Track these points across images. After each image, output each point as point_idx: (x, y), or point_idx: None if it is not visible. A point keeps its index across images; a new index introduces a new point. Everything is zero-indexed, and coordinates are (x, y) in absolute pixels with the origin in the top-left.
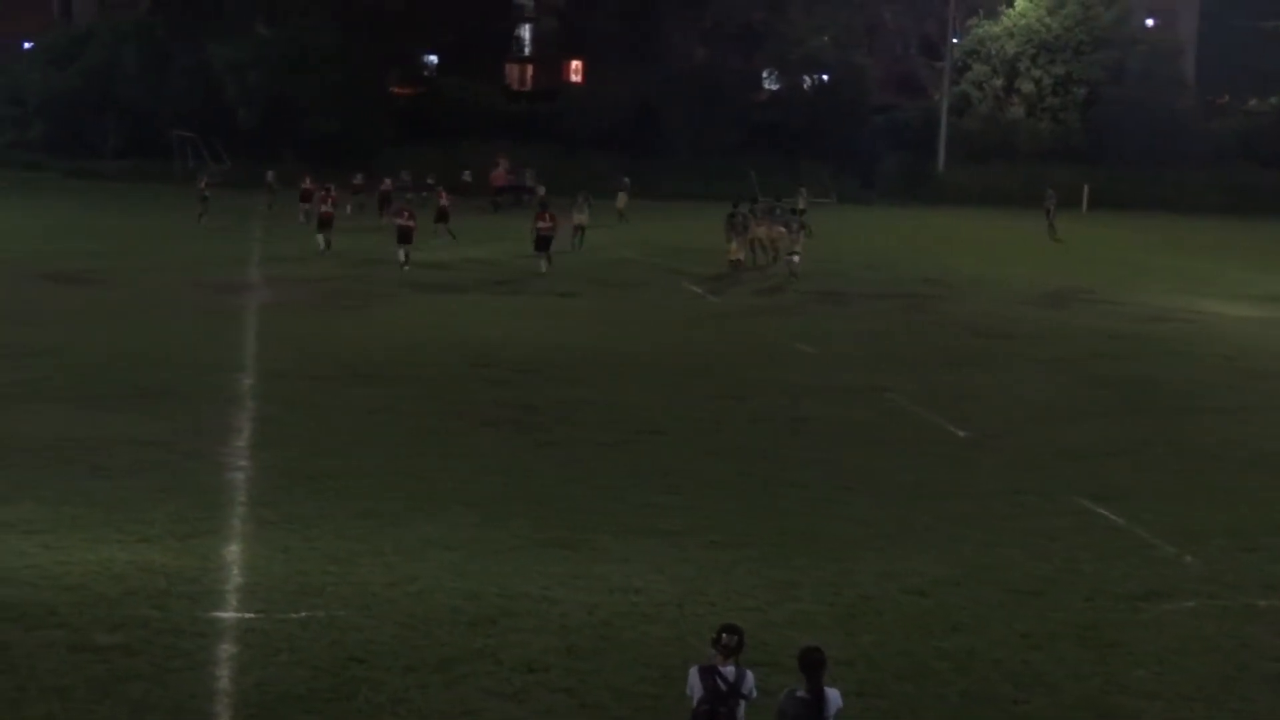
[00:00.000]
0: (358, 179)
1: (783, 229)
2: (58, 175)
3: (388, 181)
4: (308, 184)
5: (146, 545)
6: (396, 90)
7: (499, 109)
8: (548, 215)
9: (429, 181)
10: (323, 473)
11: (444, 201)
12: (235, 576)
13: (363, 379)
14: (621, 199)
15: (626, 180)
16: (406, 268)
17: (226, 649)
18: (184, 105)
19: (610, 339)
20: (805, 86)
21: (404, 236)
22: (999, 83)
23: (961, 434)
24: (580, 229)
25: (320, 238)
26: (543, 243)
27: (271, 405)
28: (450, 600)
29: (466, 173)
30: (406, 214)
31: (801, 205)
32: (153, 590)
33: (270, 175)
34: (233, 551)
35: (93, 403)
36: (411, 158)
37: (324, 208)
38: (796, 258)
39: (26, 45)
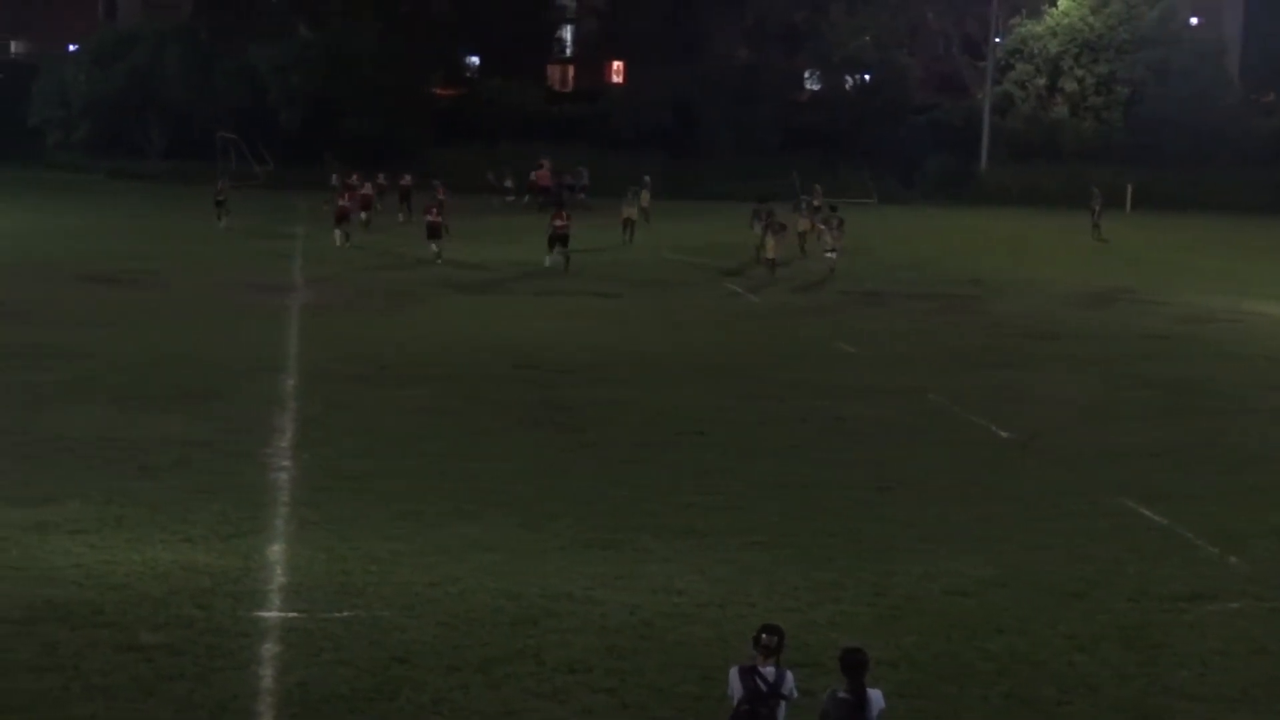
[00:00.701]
0: (380, 178)
1: (823, 226)
2: (102, 176)
3: (408, 178)
4: (353, 180)
5: (190, 545)
6: (438, 91)
7: (540, 110)
8: (563, 214)
9: (507, 184)
10: (365, 473)
11: (441, 196)
12: (278, 576)
13: (404, 380)
14: (644, 197)
15: (647, 178)
16: (439, 261)
17: (270, 648)
18: (227, 107)
19: (650, 339)
20: (847, 86)
21: (432, 232)
22: (1042, 82)
23: (1004, 435)
24: (630, 223)
25: (337, 233)
26: (557, 240)
27: (313, 406)
28: (492, 600)
29: (567, 175)
30: (434, 210)
31: (816, 203)
32: (197, 590)
33: (335, 178)
34: (276, 551)
35: (137, 403)
36: (452, 159)
37: (341, 203)
38: (834, 254)
39: (72, 48)
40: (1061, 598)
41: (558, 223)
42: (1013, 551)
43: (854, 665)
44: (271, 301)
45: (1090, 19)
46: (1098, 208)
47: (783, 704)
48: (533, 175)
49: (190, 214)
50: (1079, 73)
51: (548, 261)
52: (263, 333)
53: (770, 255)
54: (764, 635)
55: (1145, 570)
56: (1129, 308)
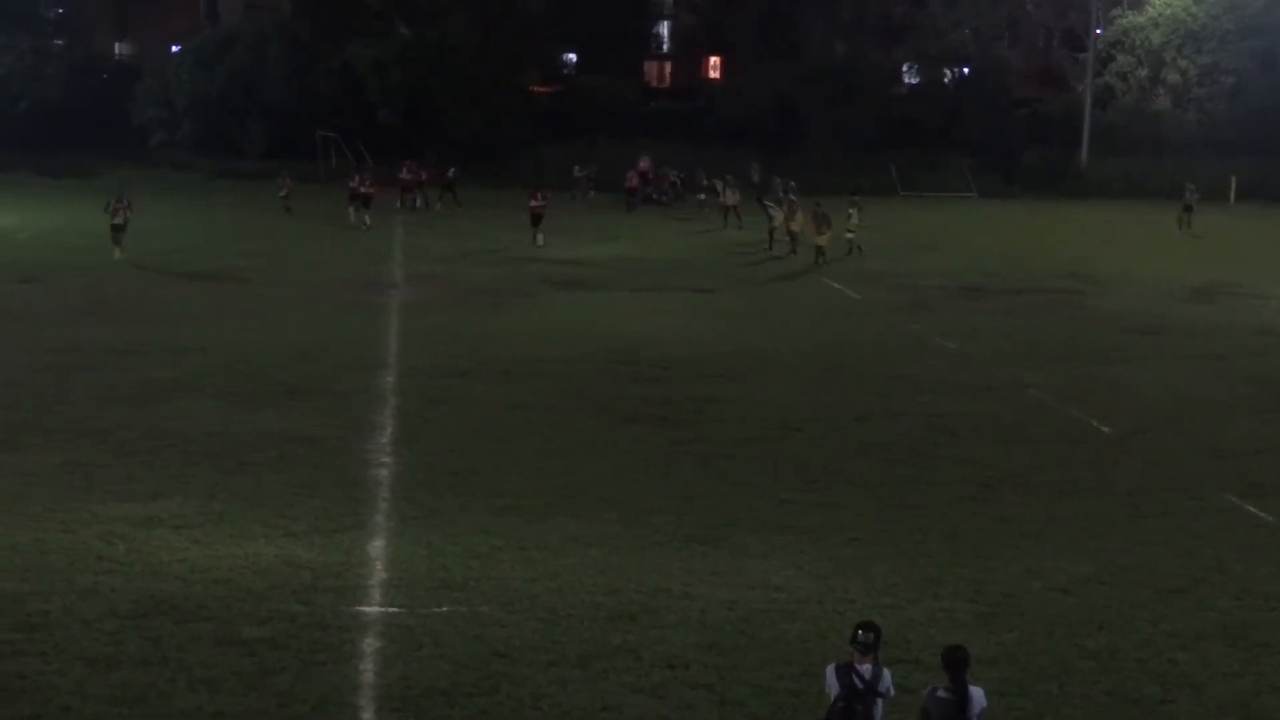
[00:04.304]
0: (419, 171)
1: (851, 210)
2: (205, 175)
3: (453, 170)
4: (453, 173)
5: (292, 540)
6: (536, 89)
7: (638, 106)
8: (539, 194)
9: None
10: (464, 469)
11: (367, 187)
12: (379, 571)
13: (503, 376)
14: (730, 195)
15: (729, 178)
16: (366, 229)
17: (370, 643)
18: (326, 105)
19: (749, 335)
20: (945, 80)
21: (365, 202)
22: (1144, 73)
23: (1106, 430)
24: (734, 210)
25: (363, 215)
26: (535, 219)
27: (414, 402)
28: (591, 596)
29: (671, 173)
30: (368, 182)
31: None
32: (298, 584)
33: (577, 169)
34: (376, 546)
35: (241, 399)
36: (550, 156)
37: (363, 188)
38: (852, 235)
39: (174, 48)
40: (1164, 595)
41: (533, 203)
42: (1114, 548)
43: (955, 663)
44: (372, 299)
45: (1193, 9)
46: (1193, 204)
47: (880, 701)
48: (730, 178)
49: (290, 212)
50: (1182, 64)
51: (539, 241)
52: (363, 329)
53: (820, 243)
54: (861, 632)
55: (1250, 568)
56: (1234, 302)
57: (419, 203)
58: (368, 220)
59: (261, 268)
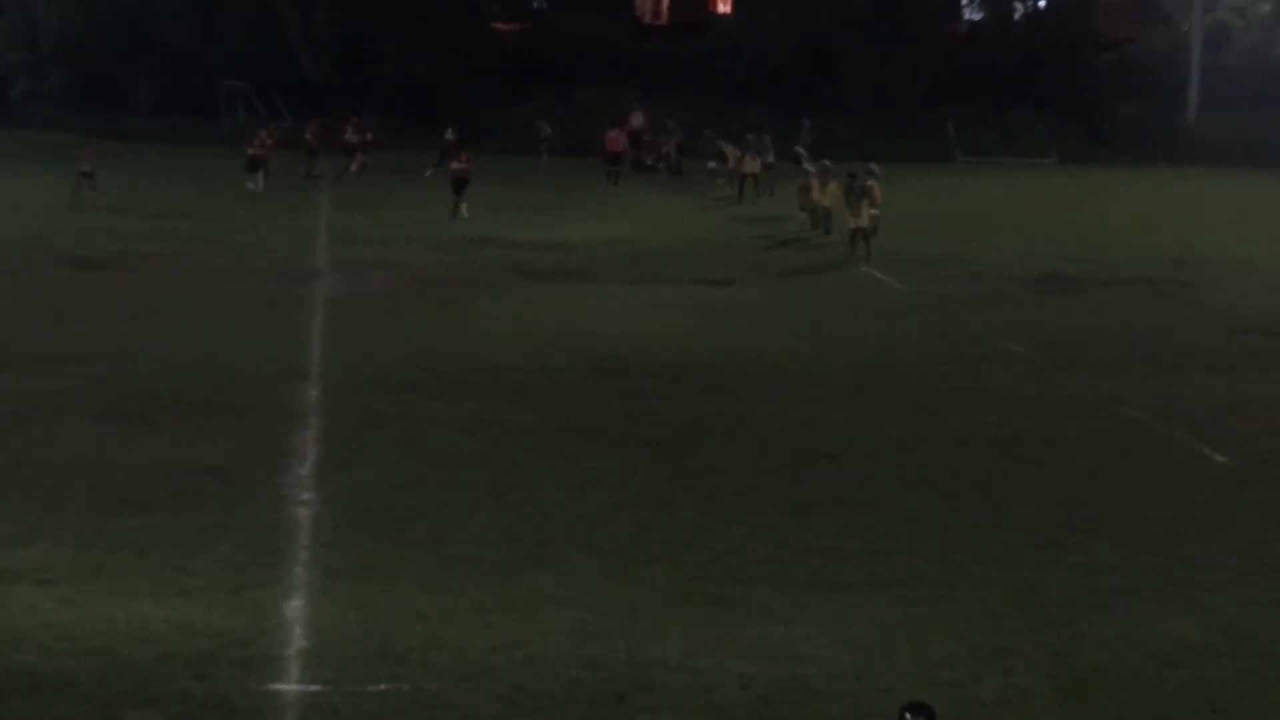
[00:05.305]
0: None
1: (872, 184)
2: (80, 135)
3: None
4: (451, 134)
5: (187, 599)
6: (500, 27)
7: (628, 48)
8: (464, 157)
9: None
10: (408, 507)
11: (256, 148)
12: (298, 639)
13: (458, 390)
14: (729, 151)
15: (767, 137)
16: (252, 188)
17: None
18: (235, 50)
19: (771, 338)
20: (1016, 16)
21: (252, 165)
22: (1267, 9)
23: (1221, 459)
24: (754, 179)
25: (251, 180)
26: (457, 184)
27: (344, 423)
28: (568, 670)
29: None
30: (258, 143)
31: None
32: (195, 655)
33: (541, 126)
34: (294, 607)
35: (125, 419)
36: (521, 109)
37: (251, 150)
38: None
39: None
40: None
41: (456, 166)
42: (1233, 609)
43: None
44: (292, 291)
45: None
46: None
47: None
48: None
49: (190, 183)
50: None
51: (464, 213)
52: (282, 331)
53: (860, 224)
54: (908, 715)
55: None
56: None
57: (352, 168)
58: (256, 185)
59: (156, 253)
